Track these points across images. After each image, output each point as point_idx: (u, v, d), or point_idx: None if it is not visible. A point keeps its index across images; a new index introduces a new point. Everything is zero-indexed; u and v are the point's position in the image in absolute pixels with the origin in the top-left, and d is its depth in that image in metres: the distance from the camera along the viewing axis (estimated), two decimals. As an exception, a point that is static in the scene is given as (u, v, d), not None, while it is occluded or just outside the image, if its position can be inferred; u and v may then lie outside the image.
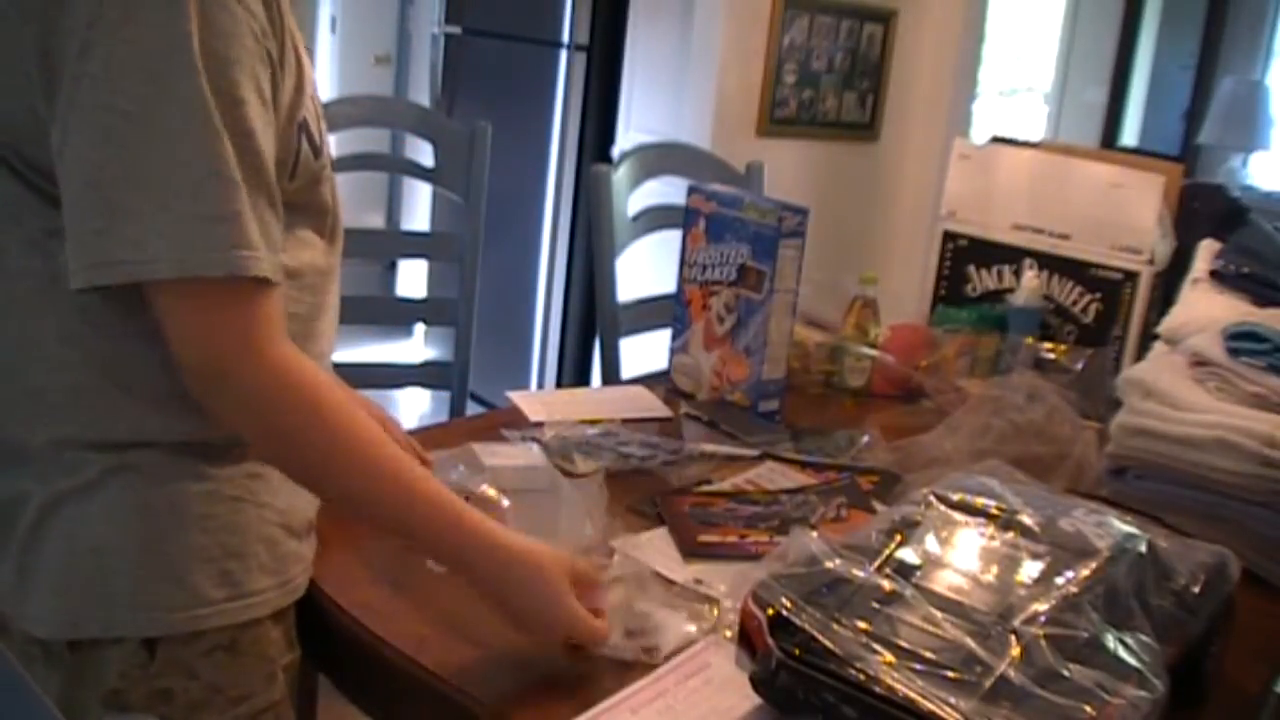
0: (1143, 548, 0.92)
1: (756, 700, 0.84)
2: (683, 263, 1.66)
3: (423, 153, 2.07)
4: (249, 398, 0.88)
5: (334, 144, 1.98)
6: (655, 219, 2.07)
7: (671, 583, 1.07)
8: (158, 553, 0.91)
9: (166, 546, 0.91)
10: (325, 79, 4.40)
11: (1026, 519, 0.94)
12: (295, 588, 0.99)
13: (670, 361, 1.70)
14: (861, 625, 0.80)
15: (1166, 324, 1.52)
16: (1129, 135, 5.13)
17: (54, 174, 0.86)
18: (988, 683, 0.75)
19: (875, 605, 0.82)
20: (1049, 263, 1.88)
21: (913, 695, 0.74)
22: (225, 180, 0.84)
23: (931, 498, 0.98)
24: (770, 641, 0.81)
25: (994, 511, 0.96)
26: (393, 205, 5.19)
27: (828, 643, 0.78)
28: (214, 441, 0.94)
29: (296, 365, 0.90)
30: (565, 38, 3.36)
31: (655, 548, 1.14)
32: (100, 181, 0.83)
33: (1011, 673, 0.76)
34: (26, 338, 0.91)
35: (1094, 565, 0.88)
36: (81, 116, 0.83)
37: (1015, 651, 0.78)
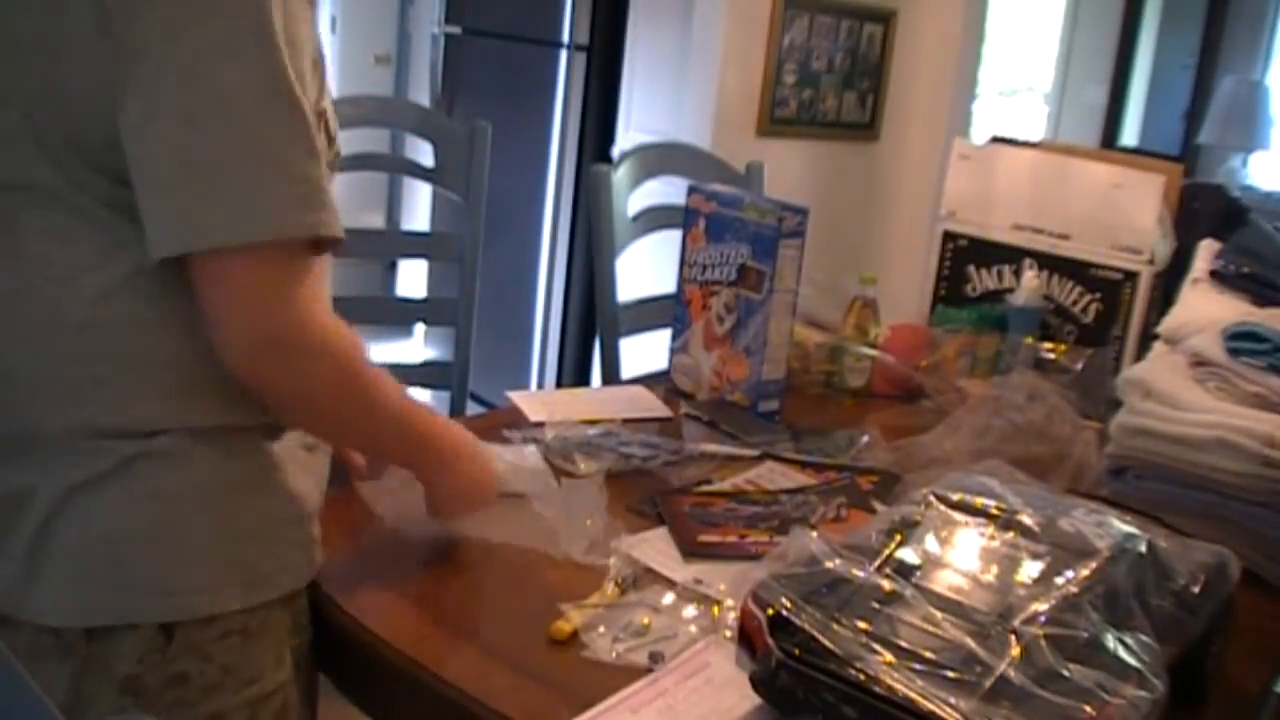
0: (1143, 548, 0.92)
1: (756, 700, 0.84)
2: (683, 263, 1.66)
3: (423, 153, 2.07)
4: (304, 360, 0.91)
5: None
6: (655, 219, 2.07)
7: (672, 583, 1.07)
8: (175, 538, 0.92)
9: (183, 532, 0.92)
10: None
11: (1026, 519, 0.94)
12: (307, 573, 1.01)
13: (670, 361, 1.70)
14: (861, 625, 0.80)
15: (1166, 324, 1.52)
16: (1129, 135, 5.14)
17: (97, 151, 0.87)
18: (988, 683, 0.75)
19: (875, 605, 0.82)
20: (1049, 263, 1.88)
21: (913, 695, 0.74)
22: (308, 149, 0.89)
23: (931, 498, 0.98)
24: (770, 641, 0.81)
25: (994, 511, 0.96)
26: (393, 205, 5.18)
27: (828, 643, 0.78)
28: (230, 427, 0.95)
29: (340, 329, 0.94)
30: (565, 38, 3.36)
31: (655, 548, 1.14)
32: (190, 159, 0.86)
33: (1011, 673, 0.76)
34: (45, 326, 0.91)
35: (1094, 565, 0.88)
36: (169, 97, 0.85)
37: (1015, 651, 0.78)
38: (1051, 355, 1.76)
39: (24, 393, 0.92)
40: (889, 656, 0.77)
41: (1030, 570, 0.88)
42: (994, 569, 0.88)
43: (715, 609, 1.02)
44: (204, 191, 0.86)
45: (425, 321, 2.92)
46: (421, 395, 3.44)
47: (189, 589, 0.92)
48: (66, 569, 0.90)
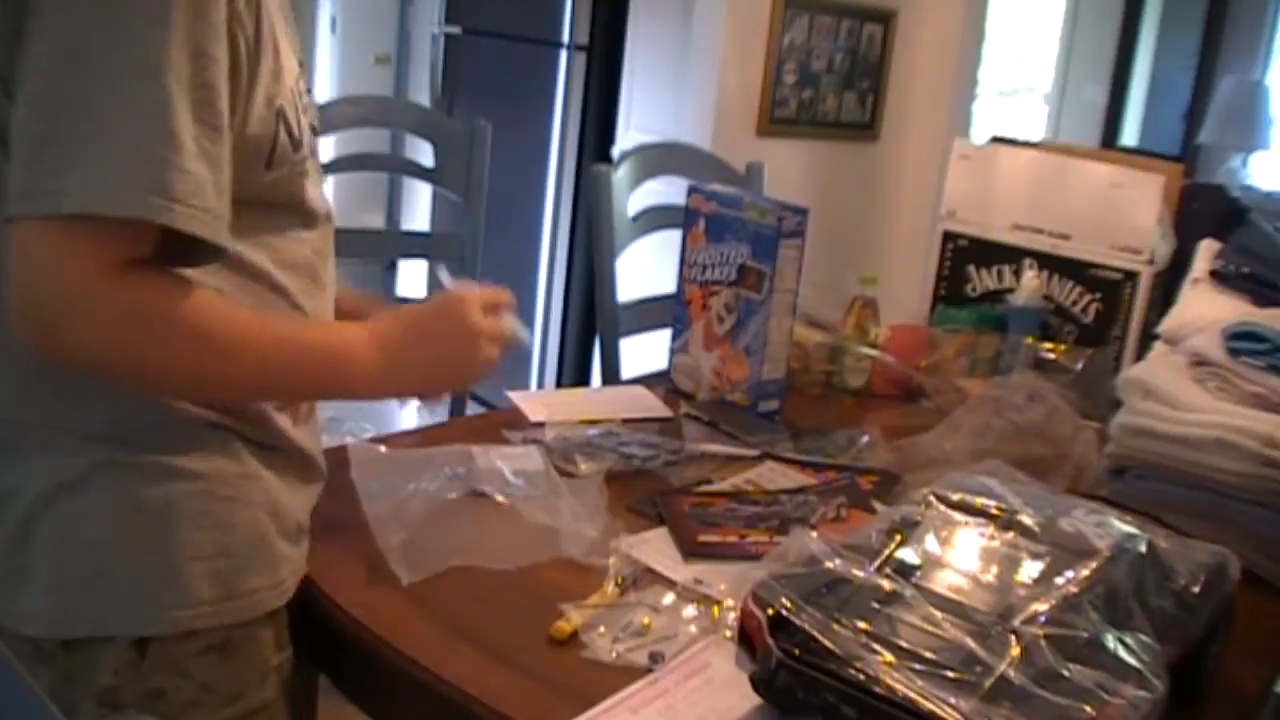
0: (1143, 548, 0.92)
1: (756, 700, 0.84)
2: (683, 263, 1.66)
3: (423, 153, 2.07)
4: (78, 328, 0.83)
5: (334, 144, 1.99)
6: (655, 219, 2.07)
7: (672, 583, 1.07)
8: (151, 551, 0.91)
9: (160, 545, 0.91)
10: (325, 79, 4.39)
11: (1026, 519, 0.94)
12: (287, 589, 0.99)
13: (670, 361, 1.70)
14: (861, 625, 0.80)
15: (1166, 324, 1.52)
16: (1129, 135, 5.14)
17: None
18: (988, 683, 0.75)
19: (875, 605, 0.82)
20: (1049, 263, 1.88)
21: (913, 695, 0.74)
22: (167, 135, 0.81)
23: (931, 498, 0.98)
24: (770, 641, 0.81)
25: (994, 511, 0.96)
26: (393, 205, 5.18)
27: (828, 643, 0.78)
28: (207, 434, 0.93)
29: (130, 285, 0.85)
30: (565, 38, 3.36)
31: (655, 548, 1.14)
32: (34, 125, 0.81)
33: (1011, 673, 0.76)
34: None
35: (1094, 565, 0.88)
36: (39, 61, 0.81)
37: (1015, 651, 0.78)
38: (1051, 355, 1.76)
39: (5, 381, 0.91)
40: (889, 656, 0.77)
41: (1030, 570, 0.88)
42: (994, 569, 0.88)
43: (715, 609, 1.02)
44: (34, 158, 0.80)
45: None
46: (421, 395, 3.45)
47: (164, 603, 0.90)
48: (44, 578, 0.89)
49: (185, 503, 0.92)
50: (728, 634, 0.96)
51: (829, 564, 0.87)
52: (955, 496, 0.98)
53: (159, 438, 0.92)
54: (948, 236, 1.98)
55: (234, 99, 0.88)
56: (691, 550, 1.14)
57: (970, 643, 0.78)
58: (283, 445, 1.01)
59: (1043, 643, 0.78)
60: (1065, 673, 0.76)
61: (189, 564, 0.92)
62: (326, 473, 1.09)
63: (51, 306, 0.83)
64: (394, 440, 1.36)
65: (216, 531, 0.93)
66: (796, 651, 0.79)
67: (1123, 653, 0.79)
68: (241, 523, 0.95)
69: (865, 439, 1.49)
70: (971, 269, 1.95)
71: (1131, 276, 1.80)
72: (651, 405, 1.60)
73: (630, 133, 3.32)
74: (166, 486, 0.91)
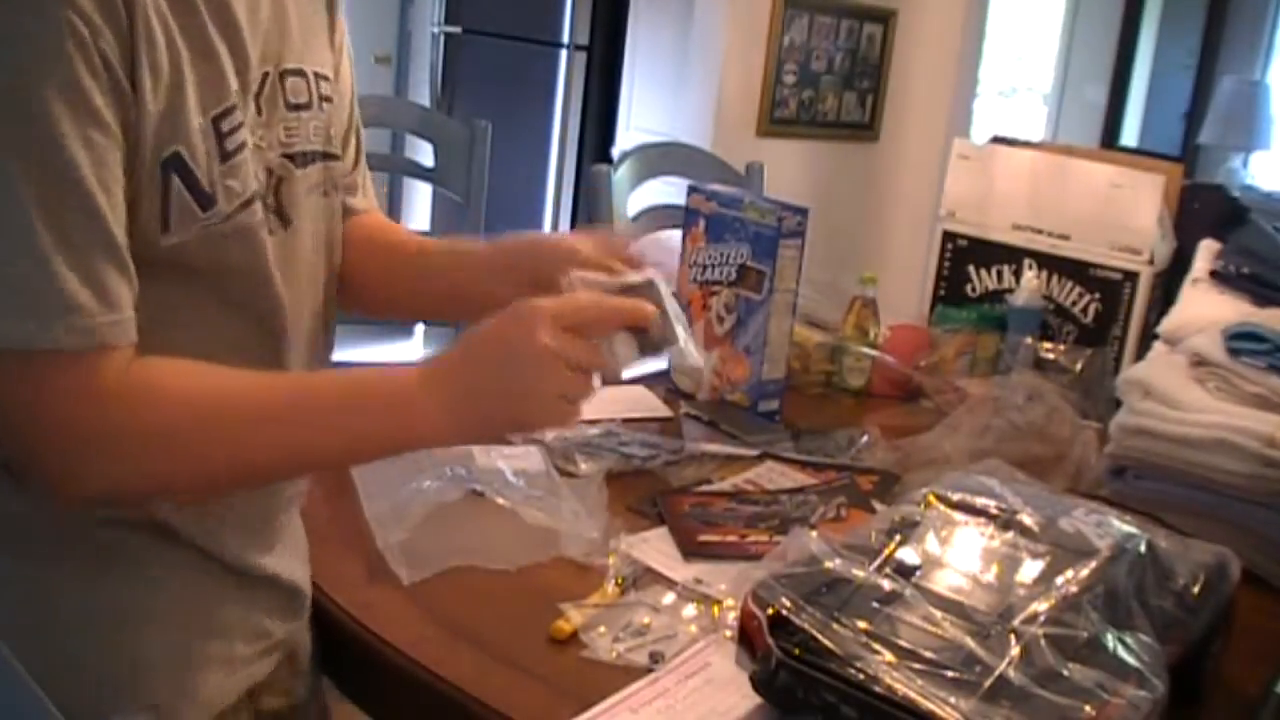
0: (1143, 548, 0.92)
1: (756, 700, 0.84)
2: (682, 263, 1.66)
3: (423, 153, 2.07)
4: (86, 458, 0.74)
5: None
6: (655, 219, 2.07)
7: (672, 583, 1.07)
8: (67, 667, 0.80)
9: (74, 661, 0.81)
10: (325, 79, 4.39)
11: (1026, 519, 0.94)
12: (230, 694, 0.88)
13: (670, 362, 1.70)
14: (861, 625, 0.80)
15: (1166, 324, 1.52)
16: (1129, 135, 5.14)
17: None
18: (987, 682, 0.75)
19: (875, 605, 0.82)
20: (1049, 263, 1.88)
21: (912, 695, 0.74)
22: (25, 245, 0.69)
23: (931, 498, 0.98)
24: (770, 641, 0.81)
25: (994, 511, 0.96)
26: (393, 205, 5.18)
27: (827, 642, 0.78)
28: (113, 535, 0.81)
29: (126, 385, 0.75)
30: (565, 38, 3.36)
31: (655, 548, 1.14)
32: None
33: (1011, 672, 0.76)
34: None
35: (1094, 565, 0.88)
36: None
37: (1015, 651, 0.78)
38: (1051, 355, 1.76)
39: None
40: (889, 656, 0.77)
41: (1030, 570, 0.88)
42: (994, 569, 0.88)
43: (715, 609, 1.02)
44: None
45: (425, 321, 2.92)
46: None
47: (85, 713, 0.76)
48: None
49: (90, 620, 0.82)
50: (728, 634, 0.96)
51: (829, 564, 0.87)
52: (955, 496, 0.98)
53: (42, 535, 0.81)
54: (947, 236, 1.98)
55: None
56: (691, 550, 1.14)
57: (970, 642, 0.78)
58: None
59: (1043, 642, 0.78)
60: (1065, 672, 0.76)
61: (108, 680, 0.82)
62: None
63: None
64: (394, 440, 1.36)
65: (131, 649, 0.84)
66: (796, 651, 0.79)
67: (1123, 653, 0.79)
68: (156, 638, 0.85)
69: (865, 439, 1.49)
70: (971, 269, 1.95)
71: (1131, 277, 1.80)
72: (651, 405, 1.60)
73: (630, 133, 3.33)
74: (71, 601, 0.82)
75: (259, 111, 0.84)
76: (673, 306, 0.88)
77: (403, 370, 0.83)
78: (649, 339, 0.86)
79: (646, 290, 0.87)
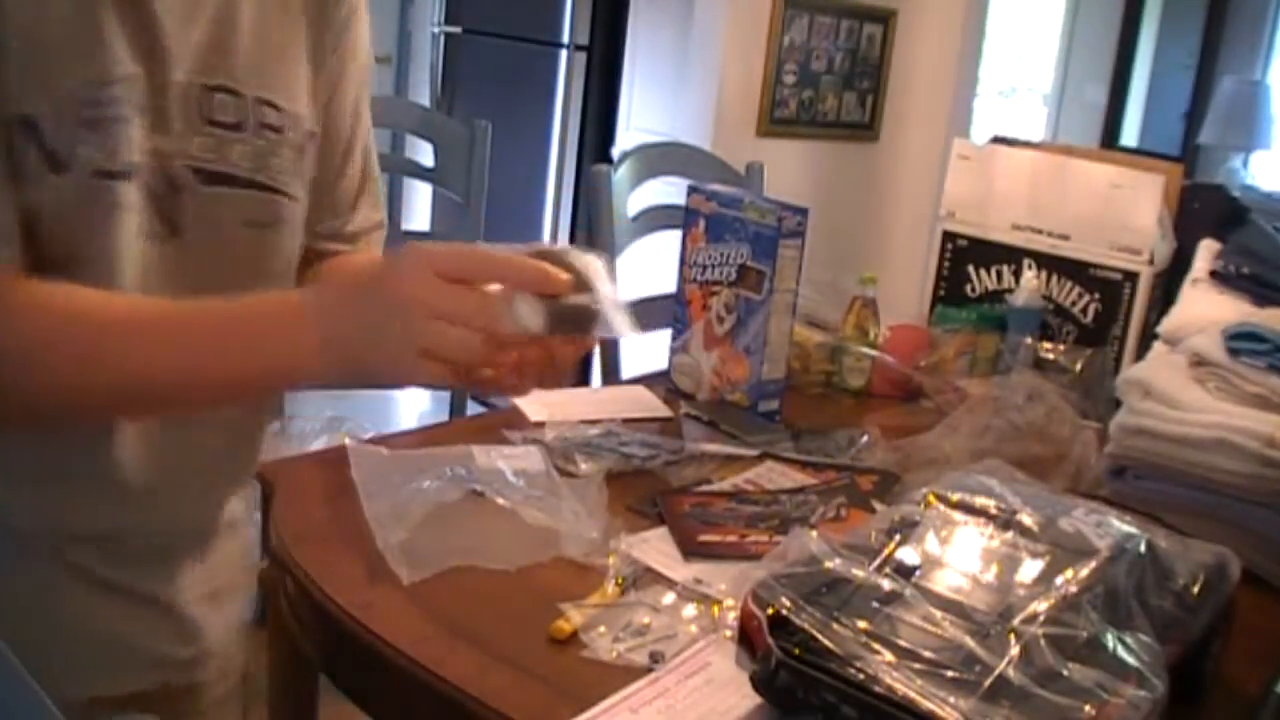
0: (1143, 548, 0.92)
1: (756, 700, 0.84)
2: (683, 263, 1.66)
3: (423, 153, 2.07)
4: None
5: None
6: (655, 219, 2.07)
7: (672, 582, 1.07)
8: None
9: None
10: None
11: (1026, 519, 0.94)
12: None
13: (670, 361, 1.70)
14: (861, 625, 0.80)
15: (1166, 324, 1.52)
16: (1129, 135, 5.15)
17: None
18: (987, 682, 0.75)
19: (875, 605, 0.82)
20: (1049, 263, 1.88)
21: (912, 694, 0.74)
22: None
23: (931, 498, 0.98)
24: (770, 641, 0.81)
25: (994, 511, 0.96)
26: (393, 205, 5.19)
27: (827, 642, 0.78)
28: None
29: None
30: (565, 38, 3.36)
31: (655, 548, 1.14)
32: None
33: (1011, 672, 0.76)
34: None
35: (1094, 565, 0.88)
36: None
37: (1015, 651, 0.78)
38: (1051, 355, 1.76)
39: None
40: (889, 656, 0.77)
41: (1030, 570, 0.88)
42: (994, 569, 0.88)
43: (715, 609, 1.02)
44: None
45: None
46: (421, 395, 3.44)
47: None
48: None
49: None
50: (728, 634, 0.96)
51: (829, 564, 0.87)
52: (955, 496, 0.98)
53: None
54: (947, 236, 1.98)
55: None
56: (691, 550, 1.14)
57: (970, 642, 0.78)
58: None
59: (1042, 642, 0.78)
60: (1065, 672, 0.76)
61: None
62: None
63: None
64: (394, 440, 1.36)
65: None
66: (796, 651, 0.79)
67: (1123, 652, 0.79)
68: None
69: (865, 439, 1.49)
70: (971, 269, 1.95)
71: (1131, 277, 1.80)
72: (651, 405, 1.60)
73: (630, 133, 3.33)
74: None
75: (166, 114, 0.83)
76: (606, 288, 0.84)
77: (295, 294, 0.84)
78: (567, 311, 0.80)
79: (562, 257, 0.82)
